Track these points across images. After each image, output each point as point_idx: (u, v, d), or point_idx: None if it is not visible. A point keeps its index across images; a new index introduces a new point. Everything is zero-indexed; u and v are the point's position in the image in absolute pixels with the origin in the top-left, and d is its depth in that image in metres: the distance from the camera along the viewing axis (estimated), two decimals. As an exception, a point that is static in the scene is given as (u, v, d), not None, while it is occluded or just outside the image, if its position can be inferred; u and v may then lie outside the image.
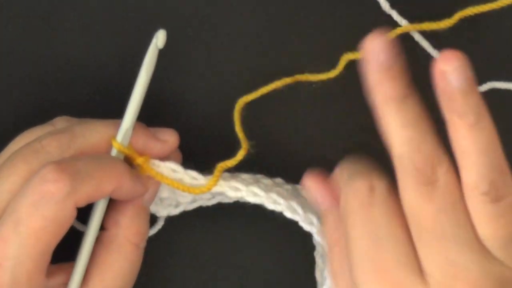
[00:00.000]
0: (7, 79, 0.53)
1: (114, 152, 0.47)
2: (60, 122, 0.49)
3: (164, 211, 0.50)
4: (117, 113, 0.53)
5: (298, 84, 0.53)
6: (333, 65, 0.54)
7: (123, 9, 0.54)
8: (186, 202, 0.50)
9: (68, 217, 0.44)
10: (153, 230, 0.51)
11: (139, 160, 0.47)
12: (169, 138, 0.49)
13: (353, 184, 0.44)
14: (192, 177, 0.48)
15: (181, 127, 0.53)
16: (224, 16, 0.54)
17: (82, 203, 0.44)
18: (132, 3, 0.54)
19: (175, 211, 0.51)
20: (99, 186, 0.44)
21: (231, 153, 0.53)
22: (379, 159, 0.51)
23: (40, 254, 0.43)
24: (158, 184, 0.48)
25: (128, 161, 0.48)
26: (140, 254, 0.48)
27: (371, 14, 0.54)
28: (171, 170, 0.48)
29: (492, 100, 0.54)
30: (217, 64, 0.54)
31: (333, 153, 0.52)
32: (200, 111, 0.54)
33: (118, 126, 0.47)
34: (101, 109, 0.53)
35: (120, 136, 0.47)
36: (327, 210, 0.47)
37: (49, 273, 0.45)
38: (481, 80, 0.54)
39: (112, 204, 0.48)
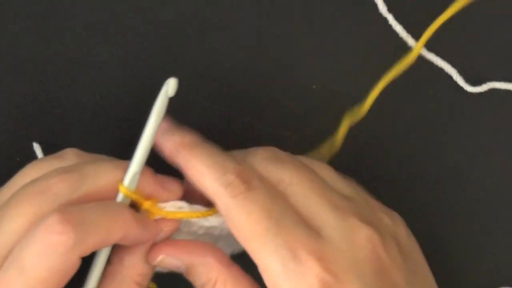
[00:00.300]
0: (7, 79, 0.53)
1: (120, 196, 0.46)
2: (69, 156, 0.48)
3: None
4: (117, 113, 0.53)
5: (297, 84, 0.54)
6: (333, 66, 0.54)
7: (123, 9, 0.54)
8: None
9: (71, 268, 0.43)
10: None
11: (147, 205, 0.47)
12: (175, 189, 0.48)
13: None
14: (197, 210, 0.48)
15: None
16: (224, 16, 0.54)
17: (88, 252, 0.44)
18: (132, 3, 0.54)
19: None
20: (106, 236, 0.44)
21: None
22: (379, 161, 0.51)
23: None
24: (170, 230, 0.47)
25: (135, 204, 0.47)
26: None
27: (369, 16, 0.54)
28: (178, 208, 0.47)
29: (492, 100, 0.55)
30: (217, 64, 0.54)
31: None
32: (200, 111, 0.54)
33: (127, 169, 0.46)
34: (101, 110, 0.53)
35: (127, 181, 0.46)
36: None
37: None
38: (480, 80, 0.54)
39: None
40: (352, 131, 0.53)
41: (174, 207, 0.47)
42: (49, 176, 0.45)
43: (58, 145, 0.49)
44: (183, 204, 0.47)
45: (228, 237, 0.47)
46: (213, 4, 0.54)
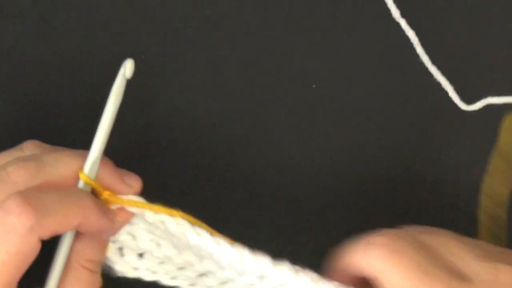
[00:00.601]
0: (7, 79, 0.53)
1: (81, 184, 0.46)
2: (29, 147, 0.48)
3: (120, 269, 0.49)
4: (117, 114, 0.53)
5: (297, 84, 0.54)
6: (334, 66, 0.54)
7: (123, 9, 0.54)
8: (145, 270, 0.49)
9: (31, 251, 0.43)
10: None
11: (105, 194, 0.47)
12: (134, 184, 0.48)
13: None
14: (155, 212, 0.48)
15: (181, 127, 0.53)
16: (224, 16, 0.54)
17: (47, 236, 0.43)
18: (132, 4, 0.54)
19: (130, 274, 0.49)
20: (64, 220, 0.44)
21: (231, 154, 0.53)
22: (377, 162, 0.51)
23: (4, 286, 0.43)
24: (124, 221, 0.47)
25: (95, 193, 0.47)
26: (95, 278, 0.47)
27: (376, 16, 0.55)
28: (133, 202, 0.47)
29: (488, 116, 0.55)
30: (217, 65, 0.54)
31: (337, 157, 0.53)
32: (200, 112, 0.54)
33: (85, 159, 0.46)
34: (101, 110, 0.53)
35: (87, 168, 0.46)
36: None
37: None
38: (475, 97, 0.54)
39: None
40: (347, 146, 0.54)
41: (130, 202, 0.47)
42: (8, 165, 0.45)
43: (58, 145, 0.49)
44: (140, 199, 0.47)
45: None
46: (213, 4, 0.54)
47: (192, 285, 0.49)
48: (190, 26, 0.54)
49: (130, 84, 0.53)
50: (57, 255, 0.46)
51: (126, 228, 0.47)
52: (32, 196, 0.43)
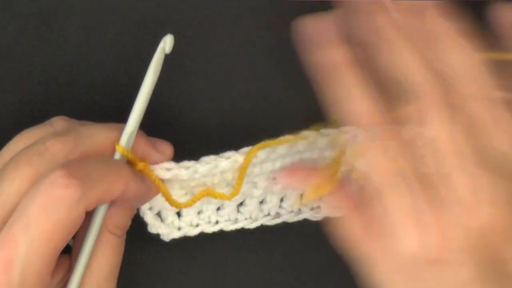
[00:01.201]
0: (7, 79, 0.53)
1: (117, 155, 0.47)
2: (59, 122, 0.49)
3: (165, 232, 0.51)
4: (117, 113, 0.53)
5: (297, 84, 0.54)
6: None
7: (123, 9, 0.54)
8: (188, 226, 0.51)
9: (78, 220, 0.44)
10: None
11: (140, 165, 0.48)
12: (166, 150, 0.49)
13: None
14: (186, 167, 0.49)
15: (181, 128, 0.53)
16: (224, 16, 0.54)
17: (92, 207, 0.44)
18: (132, 4, 0.54)
19: (177, 234, 0.51)
20: (108, 190, 0.45)
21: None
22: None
23: (50, 255, 0.43)
24: (154, 190, 0.49)
25: (130, 164, 0.48)
26: (120, 243, 0.48)
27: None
28: (166, 169, 0.49)
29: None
30: (217, 65, 0.54)
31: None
32: (200, 112, 0.54)
33: (121, 130, 0.48)
34: (101, 110, 0.54)
35: (124, 140, 0.47)
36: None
37: (55, 269, 0.45)
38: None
39: None
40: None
41: (163, 169, 0.48)
42: (45, 139, 0.46)
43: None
44: (171, 164, 0.48)
45: None
46: (213, 4, 0.54)
47: (234, 222, 0.52)
48: (190, 26, 0.54)
49: (130, 84, 0.53)
50: (92, 221, 0.47)
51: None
52: (76, 168, 0.44)
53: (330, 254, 0.50)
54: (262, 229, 0.53)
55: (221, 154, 0.49)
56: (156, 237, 0.52)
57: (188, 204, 0.49)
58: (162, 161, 0.49)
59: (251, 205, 0.52)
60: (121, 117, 0.53)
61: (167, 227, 0.51)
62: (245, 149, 0.49)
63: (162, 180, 0.49)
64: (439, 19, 0.44)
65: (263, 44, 0.54)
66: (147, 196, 0.48)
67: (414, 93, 0.43)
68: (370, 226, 0.45)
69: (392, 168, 0.43)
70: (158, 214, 0.51)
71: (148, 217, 0.51)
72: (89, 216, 0.46)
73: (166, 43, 0.47)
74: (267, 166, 0.49)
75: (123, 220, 0.48)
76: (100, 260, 0.47)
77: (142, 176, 0.48)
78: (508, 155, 0.44)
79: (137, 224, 0.51)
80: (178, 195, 0.50)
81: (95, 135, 0.47)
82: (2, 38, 0.53)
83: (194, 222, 0.51)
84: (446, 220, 0.42)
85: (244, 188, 0.50)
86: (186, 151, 0.49)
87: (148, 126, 0.49)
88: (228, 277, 0.54)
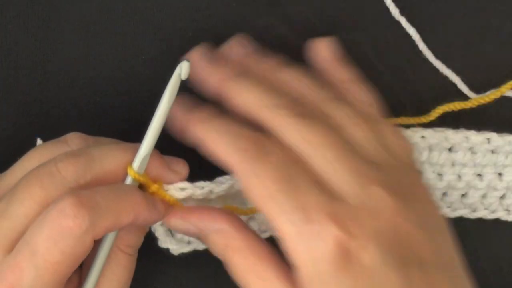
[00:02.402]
0: (7, 79, 0.53)
1: (129, 179, 0.46)
2: (74, 140, 0.48)
3: (175, 247, 0.51)
4: (117, 114, 0.53)
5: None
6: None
7: (123, 9, 0.54)
8: (197, 241, 0.51)
9: (85, 251, 0.44)
10: None
11: (154, 188, 0.47)
12: (181, 170, 0.48)
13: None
14: (201, 187, 0.48)
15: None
16: (224, 16, 0.54)
17: (100, 236, 0.44)
18: (132, 4, 0.54)
19: (186, 249, 0.51)
20: (117, 219, 0.44)
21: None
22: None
23: (55, 284, 0.43)
24: (167, 212, 0.48)
25: (142, 186, 0.47)
26: (132, 261, 0.48)
27: (375, 15, 0.55)
28: (180, 189, 0.48)
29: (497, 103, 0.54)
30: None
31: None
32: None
33: (135, 151, 0.47)
34: (101, 110, 0.53)
35: (136, 165, 0.46)
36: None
37: None
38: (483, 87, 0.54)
39: None
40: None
41: (177, 189, 0.48)
42: (58, 160, 0.45)
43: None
44: (186, 184, 0.48)
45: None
46: (213, 5, 0.54)
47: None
48: (190, 27, 0.54)
49: (130, 84, 0.53)
50: (103, 243, 0.46)
51: None
52: (86, 197, 0.43)
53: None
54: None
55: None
56: (159, 248, 0.51)
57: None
58: (177, 181, 0.48)
59: (260, 217, 0.51)
60: (121, 117, 0.53)
61: (177, 241, 0.51)
62: None
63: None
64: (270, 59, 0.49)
65: (263, 43, 0.54)
66: (158, 220, 0.47)
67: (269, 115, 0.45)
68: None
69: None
70: (169, 229, 0.51)
71: (159, 232, 0.51)
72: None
73: (182, 69, 0.46)
74: None
75: (135, 239, 0.48)
76: (111, 278, 0.47)
77: (154, 201, 0.47)
78: (369, 141, 0.45)
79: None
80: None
81: (108, 157, 0.46)
82: (2, 38, 0.53)
83: None
84: (343, 212, 0.42)
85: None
86: (202, 170, 0.48)
87: (162, 144, 0.48)
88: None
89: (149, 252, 0.50)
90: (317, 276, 0.42)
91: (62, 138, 0.49)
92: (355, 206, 0.42)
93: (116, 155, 0.47)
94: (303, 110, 0.45)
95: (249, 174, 0.43)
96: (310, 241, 0.42)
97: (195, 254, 0.52)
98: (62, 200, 0.43)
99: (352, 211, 0.42)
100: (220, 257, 0.45)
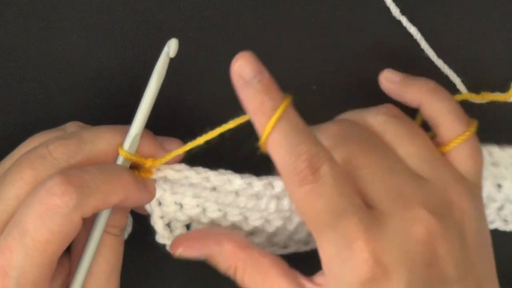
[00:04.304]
0: (7, 79, 0.53)
1: (120, 159, 0.47)
2: (70, 127, 0.49)
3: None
4: (117, 114, 0.53)
5: (298, 85, 0.53)
6: (335, 66, 0.53)
7: (123, 9, 0.54)
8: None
9: (73, 229, 0.44)
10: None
11: (149, 162, 0.47)
12: (175, 148, 0.49)
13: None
14: (198, 172, 0.48)
15: (182, 127, 0.53)
16: (224, 16, 0.54)
17: (88, 214, 0.44)
18: (132, 4, 0.54)
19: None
20: (106, 198, 0.45)
21: (232, 154, 0.53)
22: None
23: (46, 264, 0.44)
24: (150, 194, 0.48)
25: (135, 166, 0.48)
26: (119, 242, 0.48)
27: (380, 18, 0.55)
28: (177, 170, 0.48)
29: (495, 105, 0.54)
30: (217, 64, 0.54)
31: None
32: (200, 112, 0.54)
33: (125, 133, 0.47)
34: (101, 110, 0.54)
35: (127, 144, 0.47)
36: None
37: (54, 276, 0.46)
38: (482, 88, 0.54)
39: None
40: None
41: (174, 170, 0.48)
42: (49, 143, 0.46)
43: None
44: (183, 166, 0.48)
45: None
46: (213, 5, 0.54)
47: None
48: (191, 27, 0.54)
49: (130, 85, 0.53)
50: (94, 225, 0.47)
51: (173, 197, 0.49)
52: (74, 176, 0.44)
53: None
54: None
55: (241, 174, 0.49)
56: (155, 243, 0.51)
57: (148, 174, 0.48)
58: (170, 161, 0.49)
59: (261, 237, 0.51)
60: (121, 117, 0.53)
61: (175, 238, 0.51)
62: (265, 180, 0.49)
63: (173, 182, 0.48)
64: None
65: (263, 43, 0.54)
66: (148, 201, 0.48)
67: None
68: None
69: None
70: (168, 224, 0.51)
71: (158, 226, 0.50)
72: (89, 219, 0.46)
73: (171, 47, 0.46)
74: (286, 204, 0.49)
75: (119, 219, 0.48)
76: (99, 261, 0.47)
77: (145, 182, 0.47)
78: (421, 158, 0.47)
79: (137, 230, 0.51)
80: (190, 204, 0.49)
81: (98, 139, 0.47)
82: (2, 38, 0.53)
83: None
84: (377, 237, 0.43)
85: (257, 223, 0.50)
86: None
87: (156, 129, 0.49)
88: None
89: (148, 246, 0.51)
90: None
91: (61, 126, 0.50)
92: (393, 230, 0.44)
93: (106, 137, 0.47)
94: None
95: (302, 201, 0.44)
96: (346, 266, 0.43)
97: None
98: (51, 179, 0.44)
99: (390, 236, 0.44)
100: (229, 275, 0.47)
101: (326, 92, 0.54)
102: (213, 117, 0.53)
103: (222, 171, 0.49)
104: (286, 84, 0.53)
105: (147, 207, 0.50)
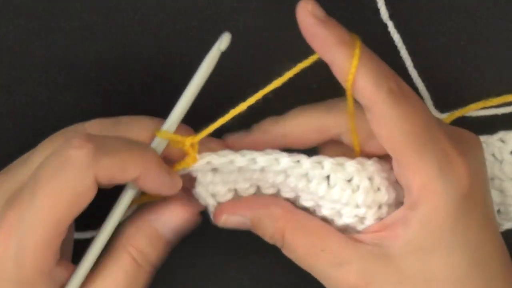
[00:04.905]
0: (7, 79, 0.53)
1: (156, 141, 0.46)
2: (92, 126, 0.48)
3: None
4: (117, 115, 0.53)
5: (298, 85, 0.54)
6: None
7: (123, 9, 0.54)
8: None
9: (86, 190, 0.42)
10: None
11: (189, 140, 0.46)
12: (216, 147, 0.48)
13: None
14: (244, 154, 0.48)
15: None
16: (224, 16, 0.54)
17: (103, 179, 0.43)
18: (132, 4, 0.54)
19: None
20: (123, 165, 0.43)
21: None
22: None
23: (52, 225, 0.42)
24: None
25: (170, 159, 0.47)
26: (142, 275, 0.45)
27: (369, 21, 0.55)
28: (220, 155, 0.47)
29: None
30: (217, 64, 0.54)
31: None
32: (200, 112, 0.54)
33: (162, 123, 0.46)
34: (101, 110, 0.53)
35: (167, 125, 0.46)
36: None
37: (61, 263, 0.44)
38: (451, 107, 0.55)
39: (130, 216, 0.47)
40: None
41: (218, 155, 0.47)
42: (86, 122, 0.46)
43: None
44: (226, 151, 0.47)
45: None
46: (214, 5, 0.54)
47: None
48: (191, 27, 0.54)
49: (130, 84, 0.53)
50: (106, 223, 0.45)
51: (226, 186, 0.48)
52: (95, 136, 0.43)
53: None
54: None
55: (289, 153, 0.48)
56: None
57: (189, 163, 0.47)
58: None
59: None
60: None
61: None
62: (315, 158, 0.48)
63: (221, 173, 0.48)
64: None
65: (263, 43, 0.54)
66: (169, 189, 0.45)
67: None
68: None
69: None
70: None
71: (211, 206, 0.49)
72: None
73: (222, 41, 0.46)
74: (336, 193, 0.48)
75: (149, 249, 0.45)
76: (107, 281, 0.45)
77: (169, 170, 0.45)
78: None
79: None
80: (221, 192, 0.48)
81: (135, 122, 0.47)
82: (2, 38, 0.53)
83: None
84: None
85: (309, 204, 0.49)
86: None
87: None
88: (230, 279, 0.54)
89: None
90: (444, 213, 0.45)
91: (81, 123, 0.48)
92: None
93: (144, 122, 0.47)
94: None
95: (397, 115, 0.45)
96: (449, 181, 0.45)
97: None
98: (73, 136, 0.43)
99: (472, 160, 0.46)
100: (275, 242, 0.47)
101: (326, 91, 0.54)
102: (213, 116, 0.54)
103: (268, 150, 0.48)
104: (286, 83, 0.54)
105: (203, 201, 0.48)
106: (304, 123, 0.48)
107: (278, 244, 0.47)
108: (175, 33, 0.54)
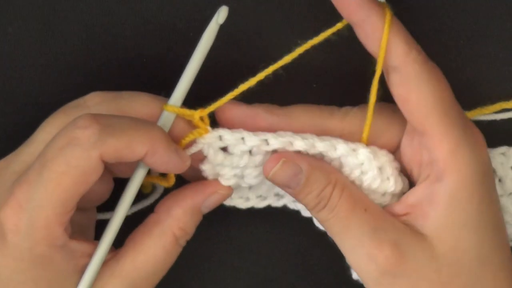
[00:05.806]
0: (7, 79, 0.53)
1: (163, 117, 0.46)
2: (92, 99, 0.48)
3: (232, 202, 0.51)
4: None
5: (299, 84, 0.54)
6: (334, 65, 0.54)
7: (123, 10, 0.54)
8: (255, 199, 0.51)
9: (92, 169, 0.43)
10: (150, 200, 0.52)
11: (198, 113, 0.47)
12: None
13: None
14: (256, 134, 0.47)
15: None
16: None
17: (110, 157, 0.43)
18: (132, 4, 0.54)
19: (243, 205, 0.51)
20: (129, 144, 0.43)
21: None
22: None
23: (60, 201, 0.43)
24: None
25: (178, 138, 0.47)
26: (177, 250, 0.47)
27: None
28: (233, 132, 0.47)
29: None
30: (217, 64, 0.54)
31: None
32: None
33: (163, 102, 0.47)
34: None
35: (173, 99, 0.47)
36: None
37: (74, 236, 0.45)
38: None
39: (172, 193, 0.48)
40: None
41: (230, 131, 0.47)
42: (86, 96, 0.47)
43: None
44: (240, 130, 0.47)
45: None
46: (214, 5, 0.54)
47: (279, 198, 0.51)
48: (191, 27, 0.54)
49: (130, 84, 0.53)
50: (123, 198, 0.46)
51: (217, 168, 0.48)
52: (101, 116, 0.44)
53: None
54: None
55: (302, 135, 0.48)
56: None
57: (188, 140, 0.47)
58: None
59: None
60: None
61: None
62: (327, 142, 0.48)
63: (232, 156, 0.48)
64: None
65: (263, 43, 0.54)
66: (178, 166, 0.46)
67: None
68: None
69: None
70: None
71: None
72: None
73: (220, 14, 0.47)
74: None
75: (192, 229, 0.47)
76: (148, 255, 0.46)
77: (177, 147, 0.46)
78: None
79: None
80: (227, 175, 0.48)
81: (136, 98, 0.47)
82: (2, 39, 0.53)
83: (246, 195, 0.51)
84: None
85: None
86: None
87: None
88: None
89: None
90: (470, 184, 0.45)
91: (81, 98, 0.48)
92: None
93: (145, 98, 0.47)
94: None
95: (427, 77, 0.46)
96: (472, 147, 0.45)
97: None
98: (79, 116, 0.44)
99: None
100: (320, 200, 0.46)
101: (326, 90, 0.54)
102: (223, 92, 0.54)
103: (281, 133, 0.48)
104: (286, 82, 0.54)
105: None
106: (308, 121, 0.48)
107: (322, 203, 0.46)
108: (175, 33, 0.54)
